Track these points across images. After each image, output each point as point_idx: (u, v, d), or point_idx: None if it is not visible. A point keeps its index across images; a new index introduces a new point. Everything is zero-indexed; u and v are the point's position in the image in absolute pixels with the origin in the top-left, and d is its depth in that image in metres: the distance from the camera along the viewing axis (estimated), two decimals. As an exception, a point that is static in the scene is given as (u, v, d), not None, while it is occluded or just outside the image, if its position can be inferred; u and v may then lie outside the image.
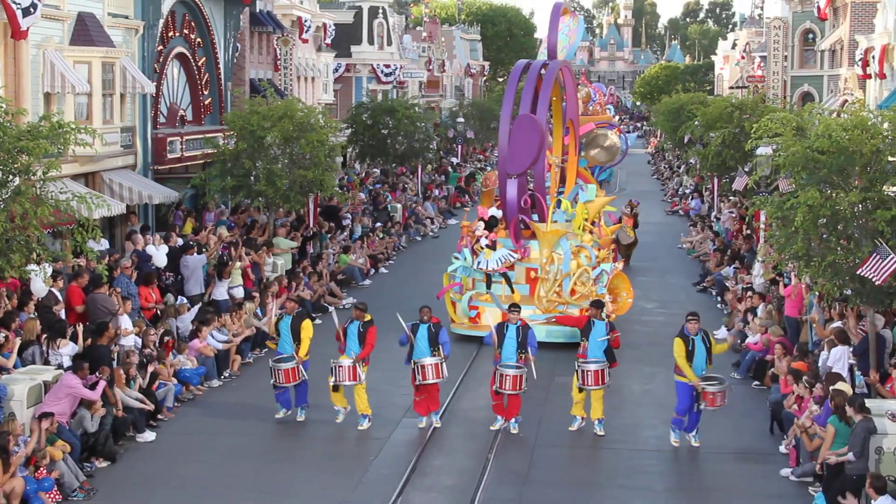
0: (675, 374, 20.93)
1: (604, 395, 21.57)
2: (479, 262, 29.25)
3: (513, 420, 21.54)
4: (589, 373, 21.22)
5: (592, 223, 30.77)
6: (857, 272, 19.87)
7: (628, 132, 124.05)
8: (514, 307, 22.11)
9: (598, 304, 22.50)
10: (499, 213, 30.24)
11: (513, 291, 29.12)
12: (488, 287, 29.31)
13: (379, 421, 21.80)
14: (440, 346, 21.46)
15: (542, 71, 30.79)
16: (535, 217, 30.04)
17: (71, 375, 19.74)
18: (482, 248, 29.28)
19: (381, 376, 22.95)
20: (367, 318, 21.88)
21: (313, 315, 31.74)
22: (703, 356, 20.75)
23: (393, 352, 22.73)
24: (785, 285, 27.86)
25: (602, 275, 29.05)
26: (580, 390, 21.46)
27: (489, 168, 64.61)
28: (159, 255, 28.40)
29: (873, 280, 19.56)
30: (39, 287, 22.39)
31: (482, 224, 29.74)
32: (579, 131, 33.95)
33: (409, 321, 21.88)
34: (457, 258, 30.30)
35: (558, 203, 30.34)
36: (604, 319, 21.95)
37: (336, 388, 21.62)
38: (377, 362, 22.18)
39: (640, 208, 46.17)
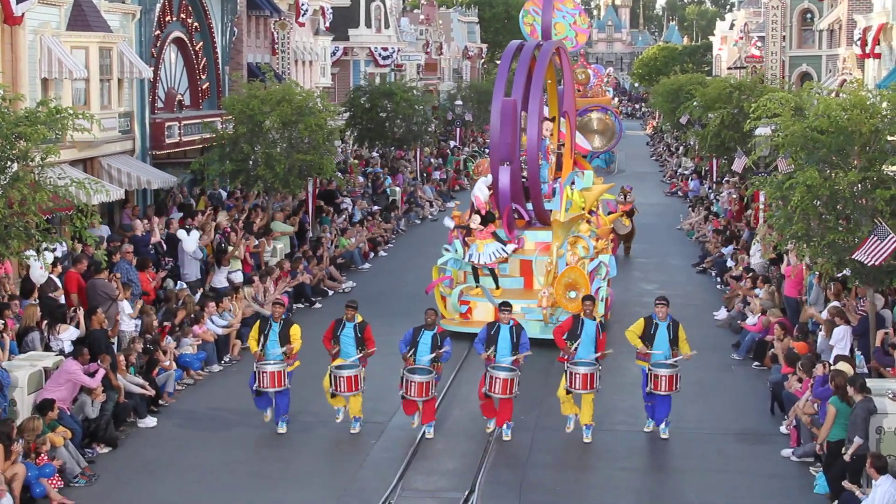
0: (636, 359, 20.76)
1: (594, 398, 20.43)
2: (469, 256, 27.96)
3: (504, 426, 20.36)
4: (577, 376, 19.95)
5: (590, 212, 29.54)
6: (853, 256, 19.87)
7: (628, 114, 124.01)
8: (506, 305, 20.69)
9: (590, 299, 21.04)
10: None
11: (497, 287, 28.01)
12: (476, 280, 28.14)
13: (380, 405, 21.75)
14: (441, 355, 20.29)
15: (536, 52, 29.50)
16: (530, 206, 28.89)
17: (71, 361, 19.76)
18: (474, 239, 27.92)
19: (380, 361, 22.85)
20: (360, 318, 20.76)
21: (313, 299, 31.83)
22: (665, 343, 20.10)
23: (392, 336, 22.66)
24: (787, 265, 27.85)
25: (600, 266, 27.57)
26: (567, 392, 20.28)
27: (486, 152, 64.38)
28: (190, 240, 28.44)
29: (868, 263, 19.57)
30: (38, 274, 22.35)
31: (478, 218, 28.12)
32: (575, 116, 33.13)
33: (408, 314, 21.45)
34: (447, 250, 29.01)
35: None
36: (595, 318, 20.51)
37: (334, 395, 20.71)
38: (377, 347, 22.06)
39: (638, 192, 45.81)
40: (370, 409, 21.40)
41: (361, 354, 20.47)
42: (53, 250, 22.02)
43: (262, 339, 20.59)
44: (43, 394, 19.03)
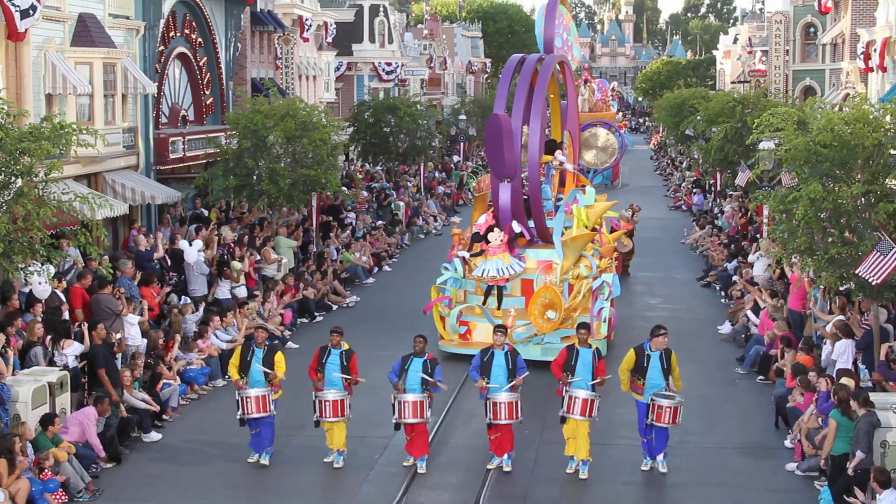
0: (632, 391, 19.60)
1: (590, 431, 19.41)
2: (487, 272, 26.77)
3: (505, 456, 19.58)
4: (577, 399, 18.92)
5: (593, 230, 28.68)
6: (856, 271, 19.84)
7: (632, 128, 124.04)
8: (500, 329, 20.01)
9: (585, 327, 19.92)
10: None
11: (499, 306, 27.24)
12: (489, 298, 27.26)
13: (383, 419, 21.67)
14: (434, 385, 19.44)
15: (538, 66, 28.97)
16: (532, 224, 28.31)
17: (91, 410, 19.69)
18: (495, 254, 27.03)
19: (382, 374, 22.84)
20: (346, 345, 19.88)
21: (316, 313, 31.83)
22: (658, 374, 19.06)
23: (396, 350, 22.59)
24: (788, 282, 27.80)
25: (603, 286, 26.90)
26: (563, 420, 19.23)
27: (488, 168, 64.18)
28: (192, 251, 28.47)
29: (870, 281, 19.52)
30: (40, 290, 22.29)
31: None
32: (578, 131, 32.54)
33: (412, 329, 21.05)
34: (446, 269, 28.27)
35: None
36: (590, 346, 19.50)
37: (318, 424, 19.66)
38: (378, 360, 22.00)
39: (642, 206, 45.79)
40: (373, 423, 21.40)
41: (347, 379, 19.59)
42: (56, 264, 22.01)
43: (244, 366, 19.67)
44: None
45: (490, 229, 27.41)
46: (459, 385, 24.36)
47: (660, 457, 19.49)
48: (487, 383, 19.33)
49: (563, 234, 27.75)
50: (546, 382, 23.66)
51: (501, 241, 27.10)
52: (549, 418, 21.97)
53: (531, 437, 21.08)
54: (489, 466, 19.60)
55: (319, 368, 19.69)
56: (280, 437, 20.54)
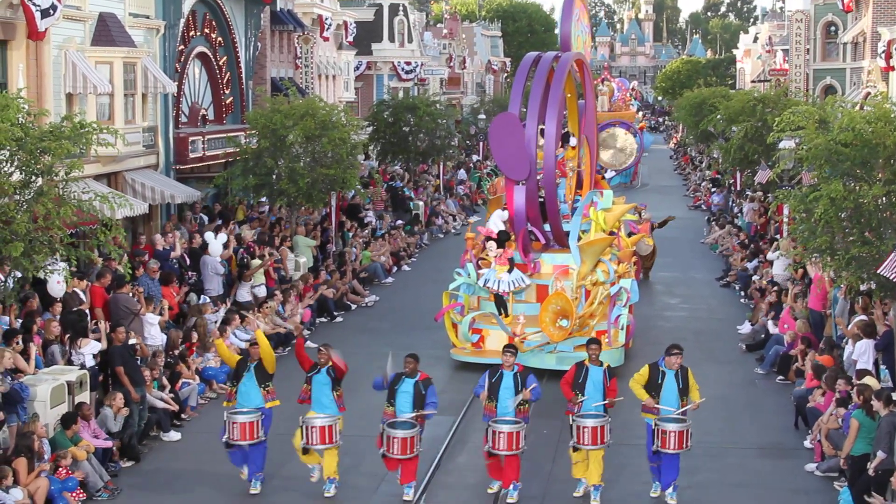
0: (642, 411, 18.49)
1: (604, 454, 18.33)
2: (486, 281, 26.25)
3: (511, 486, 18.09)
4: (586, 430, 17.72)
5: (611, 233, 27.30)
6: (878, 271, 19.68)
7: (651, 128, 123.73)
8: (510, 349, 18.48)
9: (596, 343, 18.80)
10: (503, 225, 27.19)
11: (506, 314, 26.31)
12: (499, 310, 26.26)
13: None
14: (424, 408, 17.95)
15: (555, 64, 27.91)
16: (548, 227, 27.45)
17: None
18: (491, 264, 26.44)
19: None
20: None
21: (335, 313, 31.83)
22: (673, 394, 17.87)
23: (413, 349, 22.46)
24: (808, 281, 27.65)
25: (621, 292, 25.69)
26: (575, 450, 18.08)
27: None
28: (216, 244, 28.56)
29: (894, 280, 19.36)
30: (57, 288, 22.33)
31: (494, 245, 26.44)
32: (596, 132, 31.81)
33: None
34: (459, 274, 27.11)
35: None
36: (601, 364, 18.33)
37: (306, 451, 18.49)
38: (397, 359, 21.69)
39: (662, 206, 45.55)
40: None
41: (338, 396, 18.47)
42: (69, 261, 22.06)
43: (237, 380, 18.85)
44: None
45: (488, 238, 26.80)
46: (468, 402, 24.16)
47: (669, 489, 18.21)
48: (492, 402, 18.14)
49: (579, 238, 26.96)
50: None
51: (497, 252, 26.39)
52: (568, 420, 21.88)
53: (549, 440, 20.94)
54: (490, 491, 18.52)
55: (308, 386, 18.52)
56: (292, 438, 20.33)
